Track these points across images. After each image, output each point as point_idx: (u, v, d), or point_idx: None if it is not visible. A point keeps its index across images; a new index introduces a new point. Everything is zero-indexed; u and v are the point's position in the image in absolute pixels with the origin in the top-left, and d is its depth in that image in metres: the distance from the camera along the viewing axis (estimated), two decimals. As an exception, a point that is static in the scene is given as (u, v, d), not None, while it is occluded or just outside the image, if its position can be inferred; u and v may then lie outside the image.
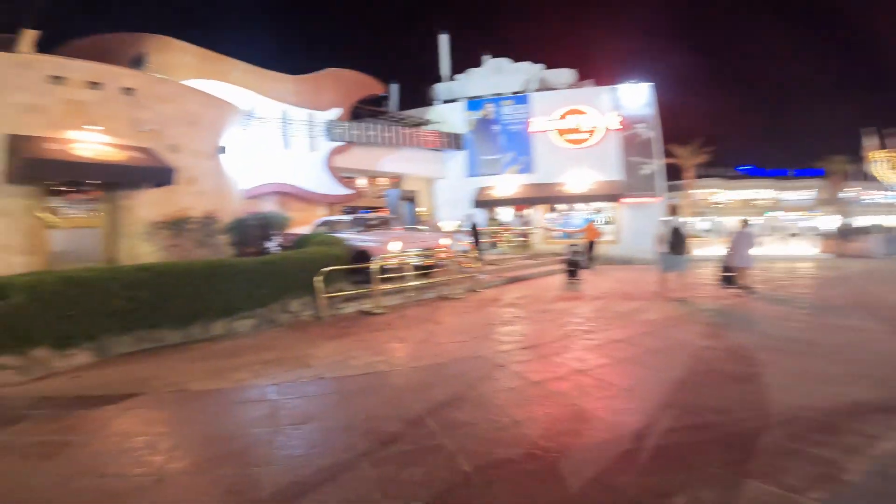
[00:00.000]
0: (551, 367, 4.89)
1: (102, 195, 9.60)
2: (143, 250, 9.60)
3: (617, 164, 18.87)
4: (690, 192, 40.99)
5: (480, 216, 19.77)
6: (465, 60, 23.23)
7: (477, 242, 11.70)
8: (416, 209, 19.89)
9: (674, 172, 32.48)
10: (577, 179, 19.12)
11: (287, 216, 12.39)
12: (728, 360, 5.04)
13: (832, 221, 25.11)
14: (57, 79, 8.52)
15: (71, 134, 8.62)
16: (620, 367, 4.91)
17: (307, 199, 15.86)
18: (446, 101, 21.78)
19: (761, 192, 49.91)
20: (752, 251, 9.63)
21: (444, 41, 23.06)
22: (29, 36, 8.87)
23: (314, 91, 16.12)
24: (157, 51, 13.06)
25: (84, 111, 8.83)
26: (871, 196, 47.20)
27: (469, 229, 12.13)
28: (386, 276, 9.03)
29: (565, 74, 21.62)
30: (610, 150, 18.97)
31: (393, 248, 9.39)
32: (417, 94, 22.99)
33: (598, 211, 19.69)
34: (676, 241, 8.56)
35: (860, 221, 31.00)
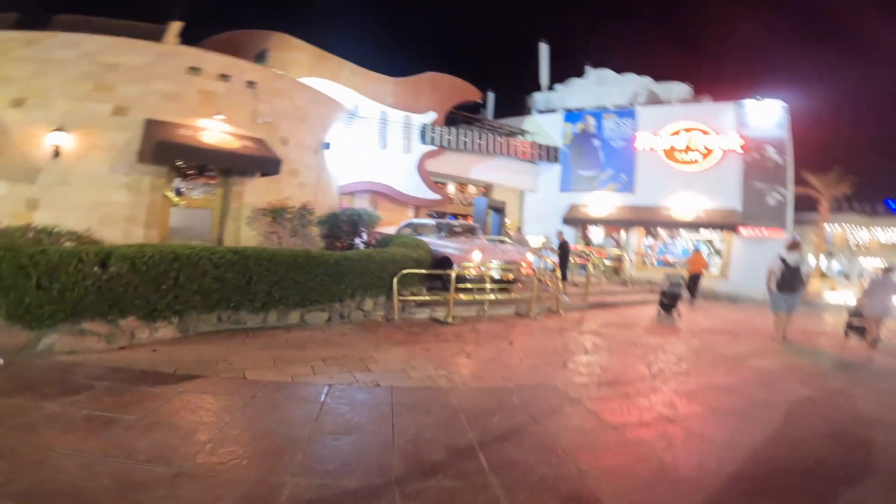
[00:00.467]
0: (634, 409, 4.22)
1: (218, 180, 10.44)
2: (245, 234, 10.28)
3: (734, 191, 16.84)
4: (824, 227, 35.77)
5: (570, 234, 18.81)
6: (563, 71, 22.54)
7: (564, 261, 10.98)
8: (504, 220, 19.45)
9: (805, 204, 28.37)
10: (684, 204, 17.41)
11: (377, 215, 12.64)
12: (856, 423, 4.00)
13: None
14: (194, 70, 9.39)
15: (201, 122, 9.47)
16: (719, 420, 4.11)
17: (397, 199, 16.16)
18: (543, 112, 21.13)
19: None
20: (893, 302, 8.42)
21: (543, 50, 22.44)
22: (175, 28, 9.90)
23: (412, 94, 16.41)
24: (276, 48, 14.06)
25: (214, 101, 9.66)
26: None
27: (557, 247, 11.44)
28: (463, 285, 8.77)
29: (678, 89, 19.93)
30: (727, 174, 16.98)
31: (475, 257, 9.08)
32: (514, 103, 22.61)
33: (707, 241, 17.75)
34: (791, 279, 7.85)
35: None
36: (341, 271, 7.04)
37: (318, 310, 7.08)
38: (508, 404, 4.15)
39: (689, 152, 17.53)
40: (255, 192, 10.48)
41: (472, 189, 20.90)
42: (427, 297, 8.48)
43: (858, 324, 8.70)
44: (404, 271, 7.75)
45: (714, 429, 3.91)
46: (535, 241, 17.48)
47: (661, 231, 18.53)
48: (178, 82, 9.25)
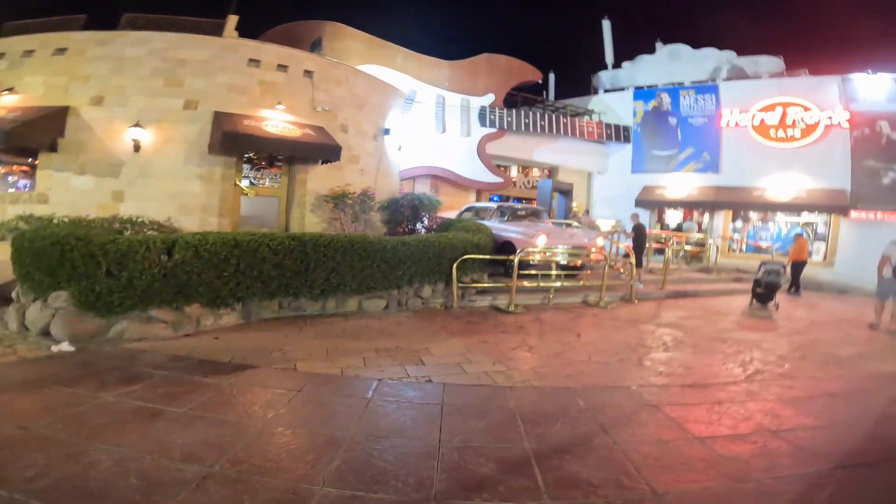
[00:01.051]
0: (725, 418, 3.58)
1: (283, 168, 10.68)
2: (310, 220, 10.46)
3: (842, 170, 14.70)
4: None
5: (644, 218, 17.47)
6: (630, 49, 20.77)
7: (639, 246, 10.05)
8: (571, 204, 18.48)
9: None
10: (780, 184, 15.47)
11: (438, 199, 12.39)
12: None
13: None
14: (254, 61, 9.61)
15: (263, 112, 9.68)
16: (832, 434, 3.36)
17: (458, 183, 15.80)
18: (609, 91, 19.71)
19: None
20: None
21: (606, 27, 20.90)
22: (232, 21, 10.16)
23: (469, 76, 15.92)
24: (330, 37, 14.11)
25: (274, 91, 9.84)
26: None
27: (631, 231, 10.50)
28: (527, 272, 8.29)
29: (768, 62, 17.70)
30: (833, 151, 14.87)
31: (539, 242, 8.52)
32: (576, 83, 21.41)
33: (807, 225, 15.70)
34: None
35: None
36: (398, 257, 6.83)
37: (376, 297, 6.94)
38: (573, 408, 3.67)
39: (786, 129, 15.58)
40: (318, 179, 10.60)
41: (536, 172, 20.08)
42: (488, 284, 8.09)
43: None
44: (464, 257, 7.40)
45: (825, 444, 3.19)
46: (606, 224, 16.46)
47: (752, 214, 16.66)
48: (240, 74, 9.47)
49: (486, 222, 9.88)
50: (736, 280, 12.16)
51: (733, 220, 16.92)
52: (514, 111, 16.38)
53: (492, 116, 15.93)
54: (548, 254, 8.42)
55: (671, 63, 18.91)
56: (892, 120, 14.26)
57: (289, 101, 9.93)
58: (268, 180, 10.77)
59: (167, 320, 5.37)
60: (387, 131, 12.30)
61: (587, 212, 17.40)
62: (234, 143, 9.04)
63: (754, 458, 3.00)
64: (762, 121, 15.93)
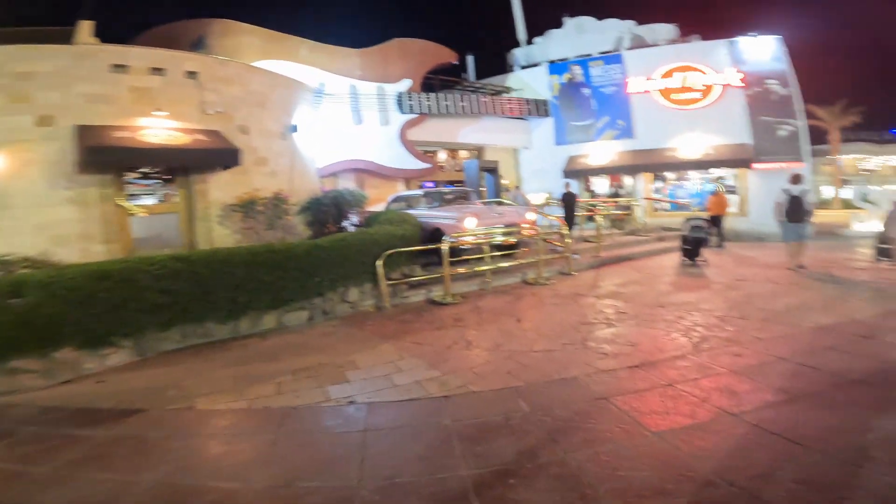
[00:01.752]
0: (681, 404, 3.28)
1: (178, 180, 9.49)
2: (219, 234, 9.38)
3: (743, 126, 15.60)
4: (836, 157, 34.23)
5: (574, 187, 17.69)
6: (541, 24, 20.91)
7: (570, 214, 9.89)
8: (500, 181, 18.36)
9: (815, 136, 27.40)
10: (690, 144, 16.14)
11: (363, 193, 11.62)
12: None
13: None
14: (120, 67, 8.34)
15: (139, 121, 8.46)
16: (797, 411, 3.13)
17: (384, 174, 15.06)
18: (525, 67, 19.72)
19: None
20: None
21: (516, 3, 20.85)
22: (86, 27, 8.80)
23: (382, 64, 15.20)
24: (220, 35, 12.98)
25: (150, 97, 8.68)
26: None
27: (560, 200, 10.31)
28: (462, 257, 7.83)
29: (664, 30, 18.51)
30: (732, 109, 15.74)
31: (469, 224, 8.07)
32: (494, 62, 21.29)
33: (721, 179, 16.54)
34: (796, 210, 8.24)
35: None
36: (313, 263, 6.10)
37: (297, 309, 6.18)
38: (517, 414, 3.22)
39: (687, 92, 16.34)
40: (222, 187, 9.51)
41: (464, 154, 19.71)
42: (422, 277, 7.54)
43: (885, 246, 8.96)
44: (388, 252, 6.78)
45: (793, 427, 2.91)
46: (537, 198, 16.45)
47: (669, 174, 17.32)
48: (103, 82, 8.19)
49: (413, 211, 9.32)
50: (661, 239, 12.48)
51: (654, 181, 17.51)
52: (433, 95, 15.81)
53: (410, 102, 15.27)
54: (480, 236, 8.00)
55: (578, 36, 19.19)
56: (779, 78, 15.33)
57: (172, 106, 8.80)
58: (160, 196, 9.55)
59: (36, 369, 4.46)
60: (294, 128, 11.31)
61: (517, 187, 17.31)
62: (103, 158, 7.83)
63: (723, 454, 2.64)
64: (665, 85, 16.54)
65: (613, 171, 17.45)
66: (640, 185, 17.34)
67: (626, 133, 17.17)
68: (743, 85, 15.55)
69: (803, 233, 8.36)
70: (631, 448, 2.72)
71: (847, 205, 30.50)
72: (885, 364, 3.81)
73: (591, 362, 4.16)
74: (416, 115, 15.40)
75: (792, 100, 15.30)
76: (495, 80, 19.54)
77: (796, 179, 8.63)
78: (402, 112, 15.18)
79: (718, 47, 16.08)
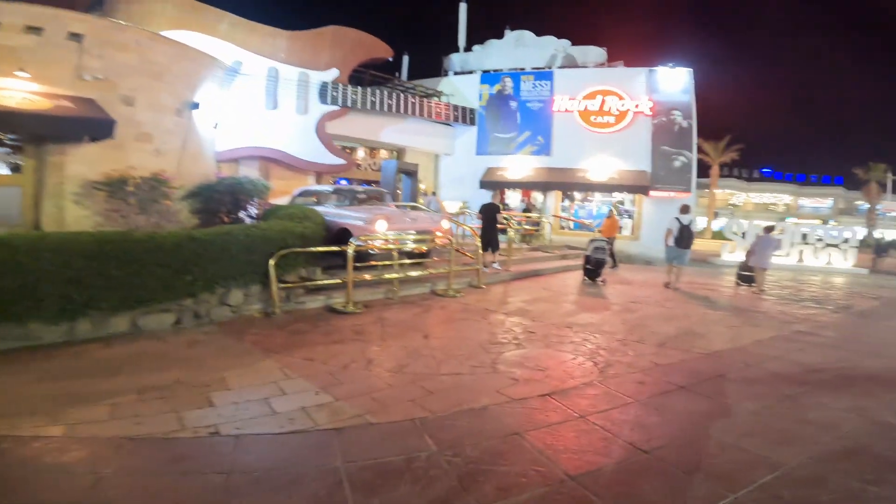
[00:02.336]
0: (595, 440, 3.02)
1: (28, 149, 7.81)
2: (73, 214, 7.82)
3: (645, 153, 16.69)
4: (715, 190, 38.83)
5: (485, 199, 17.81)
6: (484, 34, 21.13)
7: (489, 231, 9.70)
8: (418, 185, 17.97)
9: (699, 169, 30.81)
10: (599, 166, 17.00)
11: (266, 183, 10.47)
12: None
13: (861, 234, 22.19)
14: None
15: (-2, 81, 6.81)
16: (702, 442, 3.03)
17: (293, 166, 13.88)
18: (459, 73, 19.68)
19: (780, 196, 47.79)
20: (774, 256, 10.52)
21: (463, 10, 20.84)
22: None
23: (312, 49, 14.10)
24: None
25: (16, 57, 7.19)
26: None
27: (479, 212, 10.11)
28: (369, 263, 7.22)
29: (594, 53, 19.43)
30: (639, 137, 16.76)
31: (379, 228, 7.48)
32: (430, 65, 20.98)
33: (620, 203, 17.66)
34: (684, 237, 9.30)
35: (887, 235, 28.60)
36: (186, 257, 5.12)
37: (160, 311, 5.15)
38: (422, 454, 2.72)
39: (603, 115, 17.17)
40: (86, 161, 7.99)
41: (384, 154, 19.02)
42: (322, 281, 6.80)
43: (747, 273, 10.23)
44: (283, 252, 5.97)
45: (705, 457, 2.81)
46: (452, 206, 16.28)
47: (577, 194, 18.17)
48: None
49: (320, 208, 8.52)
50: (568, 257, 12.89)
51: (563, 199, 18.26)
52: (359, 89, 14.94)
53: (334, 93, 14.29)
54: (390, 240, 7.46)
55: (517, 49, 19.46)
56: (683, 110, 16.56)
57: (41, 68, 7.38)
58: (10, 165, 7.80)
59: None
60: (195, 105, 9.89)
61: (433, 193, 17.02)
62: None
63: (642, 493, 2.41)
64: (586, 107, 17.24)
65: (527, 186, 17.88)
66: (550, 202, 17.96)
67: (545, 150, 17.64)
68: (651, 114, 16.55)
69: (684, 258, 9.48)
70: (549, 497, 2.35)
71: (718, 235, 34.73)
72: (762, 390, 3.94)
73: (503, 389, 3.80)
74: (339, 108, 14.46)
75: (691, 132, 16.49)
76: (428, 83, 19.13)
77: (685, 210, 9.60)
78: (324, 102, 14.17)
79: (637, 74, 16.96)
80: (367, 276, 7.05)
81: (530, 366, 4.46)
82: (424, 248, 8.19)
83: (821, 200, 48.01)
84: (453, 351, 4.82)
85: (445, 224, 8.67)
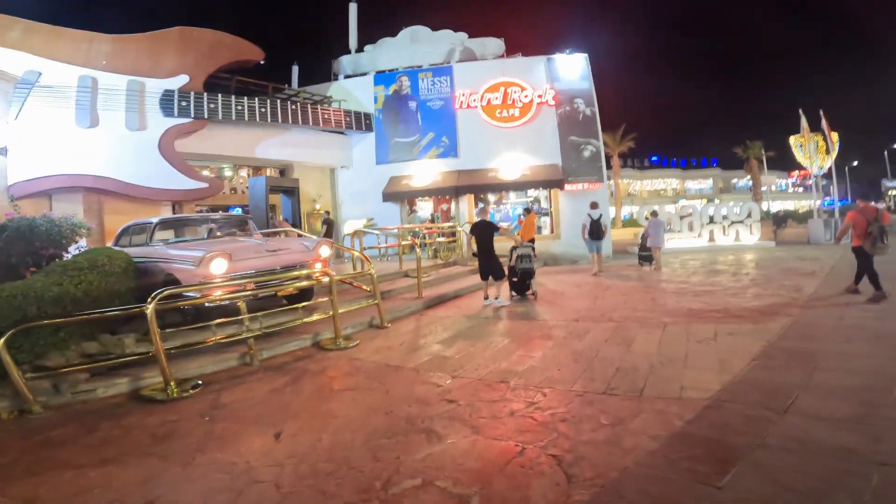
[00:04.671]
0: None
1: None
2: None
3: (554, 146, 15.69)
4: (617, 181, 40.20)
5: (394, 211, 15.86)
6: (379, 34, 19.19)
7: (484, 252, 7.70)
8: (314, 206, 15.50)
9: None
10: (510, 164, 15.74)
11: (80, 223, 7.61)
12: None
13: (758, 209, 23.42)
14: None
15: None
16: None
17: (133, 196, 10.91)
18: (351, 76, 17.64)
19: (669, 181, 51.41)
20: (666, 236, 13.20)
21: (353, 10, 18.87)
22: None
23: (149, 54, 11.48)
24: None
25: None
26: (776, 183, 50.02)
27: (470, 232, 8.07)
28: (217, 319, 4.95)
29: (493, 45, 18.33)
30: (546, 129, 15.78)
31: (215, 269, 5.17)
32: (324, 72, 18.63)
33: (535, 201, 16.55)
34: (596, 230, 10.73)
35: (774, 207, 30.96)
36: None
37: None
38: None
39: (508, 109, 16.04)
40: None
41: (269, 172, 16.31)
42: (127, 356, 4.36)
43: (646, 254, 11.64)
44: (28, 324, 3.54)
45: None
46: (357, 224, 14.15)
47: (491, 196, 16.82)
48: None
49: (140, 249, 6.04)
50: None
51: (475, 203, 16.75)
52: (218, 96, 12.28)
53: (183, 103, 11.59)
54: (239, 285, 5.19)
55: (412, 45, 17.90)
56: (584, 97, 15.83)
57: None
58: None
59: None
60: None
61: (327, 212, 14.71)
62: None
63: None
64: (489, 101, 16.01)
65: (437, 193, 16.15)
66: (464, 208, 16.34)
67: (451, 151, 16.11)
68: (555, 103, 15.70)
69: (601, 246, 10.93)
70: None
71: (628, 223, 35.71)
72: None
73: None
74: (190, 120, 11.74)
75: (595, 120, 15.77)
76: (315, 89, 16.79)
77: (594, 206, 10.93)
78: (169, 115, 11.42)
79: (537, 63, 16.12)
80: (216, 337, 4.76)
81: (449, 486, 2.50)
82: (291, 289, 5.90)
83: (702, 181, 52.34)
84: (317, 465, 2.74)
85: (325, 251, 6.48)
